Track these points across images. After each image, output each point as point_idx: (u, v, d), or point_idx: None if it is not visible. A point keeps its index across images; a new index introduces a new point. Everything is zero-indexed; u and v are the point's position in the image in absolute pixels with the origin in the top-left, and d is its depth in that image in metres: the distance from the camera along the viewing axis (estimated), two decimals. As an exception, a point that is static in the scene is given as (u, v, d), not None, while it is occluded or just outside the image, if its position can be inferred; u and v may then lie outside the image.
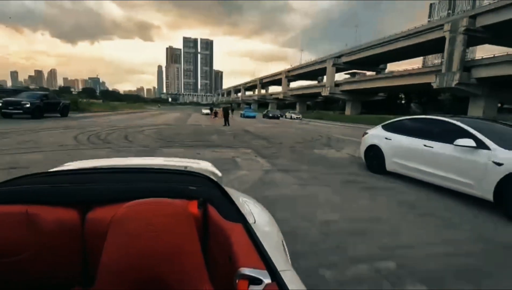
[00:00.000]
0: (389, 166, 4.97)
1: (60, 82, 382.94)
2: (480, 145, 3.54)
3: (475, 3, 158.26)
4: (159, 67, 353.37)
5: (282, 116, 37.16)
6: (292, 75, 73.68)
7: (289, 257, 0.92)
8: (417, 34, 35.72)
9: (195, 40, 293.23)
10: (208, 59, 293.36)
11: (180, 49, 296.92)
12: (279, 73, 79.75)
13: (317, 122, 29.35)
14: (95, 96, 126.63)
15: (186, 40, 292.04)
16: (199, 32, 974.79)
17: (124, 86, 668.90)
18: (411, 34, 36.69)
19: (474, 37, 29.85)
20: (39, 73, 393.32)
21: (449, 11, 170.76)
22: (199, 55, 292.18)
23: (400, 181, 4.65)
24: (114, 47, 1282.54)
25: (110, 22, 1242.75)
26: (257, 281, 0.57)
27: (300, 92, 69.90)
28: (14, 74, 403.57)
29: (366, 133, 5.84)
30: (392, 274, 1.97)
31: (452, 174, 3.82)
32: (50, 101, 16.14)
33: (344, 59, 51.28)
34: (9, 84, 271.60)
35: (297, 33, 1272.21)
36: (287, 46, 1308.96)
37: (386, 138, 5.12)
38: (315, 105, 74.43)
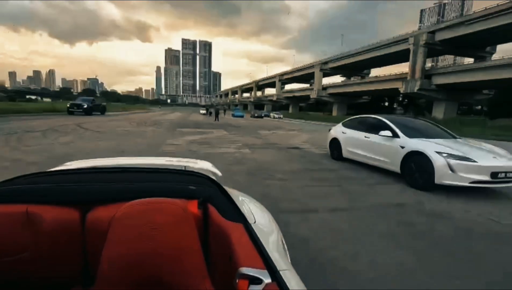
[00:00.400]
0: (344, 154, 6.23)
1: (58, 83, 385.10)
2: (395, 135, 4.89)
3: (463, 12, 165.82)
4: (158, 68, 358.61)
5: (267, 116, 44.30)
6: (286, 78, 77.88)
7: (289, 257, 0.94)
8: (389, 45, 40.48)
9: (194, 42, 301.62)
10: (207, 61, 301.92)
11: (179, 51, 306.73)
12: (274, 76, 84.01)
13: (293, 120, 35.61)
14: (96, 97, 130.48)
15: (185, 42, 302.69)
16: (197, 33, 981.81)
17: (122, 87, 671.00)
18: (383, 45, 41.47)
19: (434, 49, 34.76)
20: (37, 73, 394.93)
21: (439, 17, 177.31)
22: (197, 57, 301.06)
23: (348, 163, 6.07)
24: (112, 48, 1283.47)
25: (108, 23, 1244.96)
26: (257, 281, 0.58)
27: (292, 94, 74.30)
28: (12, 75, 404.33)
29: (330, 129, 7.10)
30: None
31: (379, 156, 5.14)
32: (95, 104, 23.00)
33: (330, 65, 55.86)
34: (7, 84, 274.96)
35: (295, 35, 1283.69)
36: (285, 48, 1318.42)
37: (342, 132, 6.40)
38: (308, 106, 79.10)
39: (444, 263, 2.17)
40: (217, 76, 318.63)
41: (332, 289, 1.77)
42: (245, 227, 0.82)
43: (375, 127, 5.45)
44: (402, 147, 4.64)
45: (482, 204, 3.69)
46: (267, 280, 0.58)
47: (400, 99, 60.16)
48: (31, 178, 0.96)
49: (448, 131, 5.51)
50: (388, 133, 4.99)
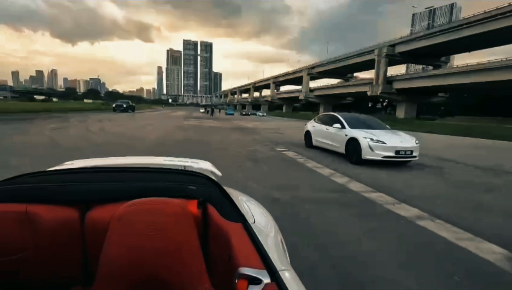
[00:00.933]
0: (314, 143, 7.85)
1: (60, 82, 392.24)
2: (343, 126, 6.51)
3: (451, 17, 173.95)
4: (159, 68, 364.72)
5: (254, 114, 56.65)
6: (280, 80, 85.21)
7: (288, 257, 0.94)
8: (360, 55, 47.92)
9: (195, 43, 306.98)
10: (208, 61, 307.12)
11: (180, 51, 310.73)
12: (268, 79, 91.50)
13: (272, 117, 47.11)
14: (100, 97, 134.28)
15: (186, 43, 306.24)
16: (198, 34, 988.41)
17: (123, 87, 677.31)
18: (357, 54, 48.85)
19: (394, 60, 42.19)
20: (40, 73, 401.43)
21: (429, 21, 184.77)
22: (198, 57, 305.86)
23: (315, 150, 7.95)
24: (113, 48, 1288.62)
25: (110, 23, 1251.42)
26: (257, 281, 0.58)
27: (284, 95, 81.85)
28: (15, 74, 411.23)
29: (306, 124, 8.72)
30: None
31: (334, 142, 6.75)
32: (129, 104, 32.99)
33: (316, 70, 63.43)
34: (9, 83, 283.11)
35: (295, 36, 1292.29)
36: (285, 48, 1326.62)
37: (313, 126, 8.08)
38: (301, 107, 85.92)
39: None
40: (217, 76, 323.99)
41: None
42: (245, 227, 0.83)
43: (332, 121, 7.02)
44: (346, 135, 6.28)
45: (389, 171, 5.33)
46: (266, 280, 0.58)
47: (381, 100, 67.39)
48: (30, 177, 0.96)
49: (383, 124, 7.13)
50: (338, 125, 6.66)
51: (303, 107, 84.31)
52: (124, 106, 30.82)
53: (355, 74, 65.04)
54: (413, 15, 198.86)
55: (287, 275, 0.61)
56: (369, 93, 43.97)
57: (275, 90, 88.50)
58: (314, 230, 2.60)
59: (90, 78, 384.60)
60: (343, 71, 60.30)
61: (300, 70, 69.23)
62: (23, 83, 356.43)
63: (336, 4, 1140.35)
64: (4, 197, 0.84)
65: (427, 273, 1.96)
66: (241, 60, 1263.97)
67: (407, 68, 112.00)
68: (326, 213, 3.04)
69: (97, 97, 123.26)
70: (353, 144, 6.02)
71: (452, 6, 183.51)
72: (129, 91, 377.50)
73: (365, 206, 3.36)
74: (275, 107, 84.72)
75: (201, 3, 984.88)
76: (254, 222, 0.94)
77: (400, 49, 40.54)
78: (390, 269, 1.98)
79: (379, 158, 5.59)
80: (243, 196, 1.32)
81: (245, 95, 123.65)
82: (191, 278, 0.73)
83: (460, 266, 2.06)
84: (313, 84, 68.17)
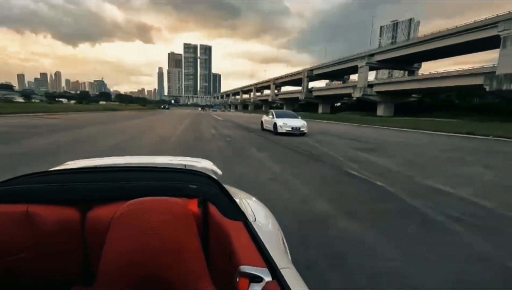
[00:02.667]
0: (264, 127, 13.98)
1: (63, 84, 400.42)
2: (273, 117, 12.86)
3: (410, 30, 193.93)
4: (160, 69, 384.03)
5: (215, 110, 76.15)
6: (280, 82, 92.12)
7: (289, 255, 0.95)
8: (348, 61, 56.75)
9: (195, 46, 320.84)
10: (207, 63, 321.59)
11: (181, 54, 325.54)
12: (269, 80, 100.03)
13: (256, 114, 58.86)
14: (111, 99, 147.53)
15: (186, 46, 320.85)
16: (198, 35, 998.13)
17: (123, 88, 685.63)
18: (346, 60, 57.40)
19: (372, 67, 51.00)
20: (44, 75, 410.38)
21: (393, 33, 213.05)
22: (198, 60, 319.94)
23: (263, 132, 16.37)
24: (114, 49, 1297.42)
25: (111, 24, 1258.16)
26: (258, 279, 0.58)
27: (284, 96, 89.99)
28: (20, 77, 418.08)
29: (263, 116, 15.15)
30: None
31: (269, 125, 13.05)
32: (167, 106, 77.31)
33: (315, 72, 70.32)
34: (15, 86, 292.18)
35: (295, 36, 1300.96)
36: (285, 48, 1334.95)
37: (264, 118, 14.39)
38: (298, 107, 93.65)
39: (272, 146, 9.39)
40: (217, 77, 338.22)
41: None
42: (245, 225, 0.83)
43: (271, 115, 13.40)
44: (274, 121, 12.44)
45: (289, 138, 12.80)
46: (268, 278, 0.58)
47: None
48: (31, 177, 0.96)
49: (295, 114, 13.63)
50: (271, 116, 13.16)
51: (302, 108, 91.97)
52: (167, 106, 73.83)
53: (351, 76, 71.73)
54: (381, 27, 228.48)
55: (288, 273, 0.61)
56: (353, 95, 52.65)
57: (275, 91, 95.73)
58: (247, 141, 8.98)
59: (95, 80, 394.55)
60: (338, 73, 68.57)
61: (299, 72, 76.20)
62: (26, 85, 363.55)
63: (337, 4, 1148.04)
64: (4, 197, 0.84)
65: (253, 144, 8.22)
66: (241, 59, 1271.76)
67: (389, 73, 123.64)
68: (253, 140, 9.33)
69: (108, 99, 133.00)
70: (275, 125, 12.19)
71: (410, 20, 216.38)
72: (130, 92, 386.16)
73: (271, 143, 9.11)
74: (275, 107, 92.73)
75: (201, 5, 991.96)
76: (255, 220, 0.96)
77: (378, 58, 49.26)
78: (249, 146, 8.04)
79: (284, 131, 11.74)
80: (244, 194, 1.35)
81: (246, 96, 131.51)
82: (192, 277, 0.74)
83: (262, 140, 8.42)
84: (313, 84, 76.10)
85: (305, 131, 12.07)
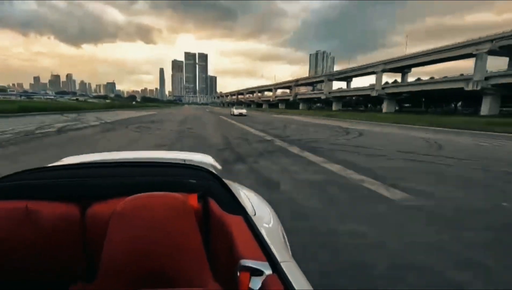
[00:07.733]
0: (231, 113, 31.07)
1: (76, 85, 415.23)
2: (232, 107, 37.66)
3: (326, 60, 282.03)
4: (161, 69, 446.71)
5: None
6: (278, 87, 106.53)
7: (289, 249, 0.95)
8: (364, 69, 67.67)
9: (194, 54, 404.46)
10: (205, 68, 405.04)
11: (182, 61, 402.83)
12: (270, 85, 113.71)
13: (252, 111, 70.38)
14: (137, 101, 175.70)
15: (187, 54, 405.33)
16: (197, 36, 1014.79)
17: (125, 87, 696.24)
18: (360, 68, 67.89)
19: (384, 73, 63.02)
20: (56, 77, 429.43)
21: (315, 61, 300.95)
22: (197, 66, 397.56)
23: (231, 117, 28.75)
24: (115, 50, 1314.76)
25: (113, 26, 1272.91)
26: (258, 273, 0.58)
27: (280, 97, 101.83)
28: (36, 79, 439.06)
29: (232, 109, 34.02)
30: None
31: (231, 112, 32.24)
32: (179, 102, 71.66)
33: (300, 82, 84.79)
34: (25, 87, 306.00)
35: (291, 35, 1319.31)
36: (282, 46, 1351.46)
37: (232, 109, 32.81)
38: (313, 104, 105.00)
39: (240, 119, 22.29)
40: (213, 79, 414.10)
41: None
42: (245, 219, 0.82)
43: (233, 106, 37.75)
44: (232, 109, 33.00)
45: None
46: (268, 271, 0.58)
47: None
48: (30, 174, 0.94)
49: (242, 106, 35.51)
50: (234, 108, 32.75)
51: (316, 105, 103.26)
52: (181, 103, 72.70)
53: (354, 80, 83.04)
54: (310, 54, 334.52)
55: (289, 267, 0.61)
56: (371, 94, 63.48)
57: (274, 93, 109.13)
58: (211, 117, 20.36)
59: (108, 82, 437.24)
60: (345, 78, 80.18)
61: (290, 81, 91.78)
62: (35, 88, 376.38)
63: (337, 4, 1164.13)
64: (4, 194, 0.83)
65: (220, 129, 17.39)
66: (240, 58, 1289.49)
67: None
68: (213, 119, 19.91)
69: (123, 100, 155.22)
70: (232, 112, 29.90)
71: (324, 52, 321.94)
72: (133, 91, 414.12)
73: (223, 121, 19.10)
74: (274, 105, 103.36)
75: (200, 6, 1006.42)
76: (255, 214, 0.95)
77: (388, 66, 61.27)
78: (210, 123, 18.32)
79: (236, 114, 28.19)
80: (244, 188, 1.34)
81: (248, 95, 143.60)
82: (193, 271, 0.74)
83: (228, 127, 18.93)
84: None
85: (245, 114, 26.74)
